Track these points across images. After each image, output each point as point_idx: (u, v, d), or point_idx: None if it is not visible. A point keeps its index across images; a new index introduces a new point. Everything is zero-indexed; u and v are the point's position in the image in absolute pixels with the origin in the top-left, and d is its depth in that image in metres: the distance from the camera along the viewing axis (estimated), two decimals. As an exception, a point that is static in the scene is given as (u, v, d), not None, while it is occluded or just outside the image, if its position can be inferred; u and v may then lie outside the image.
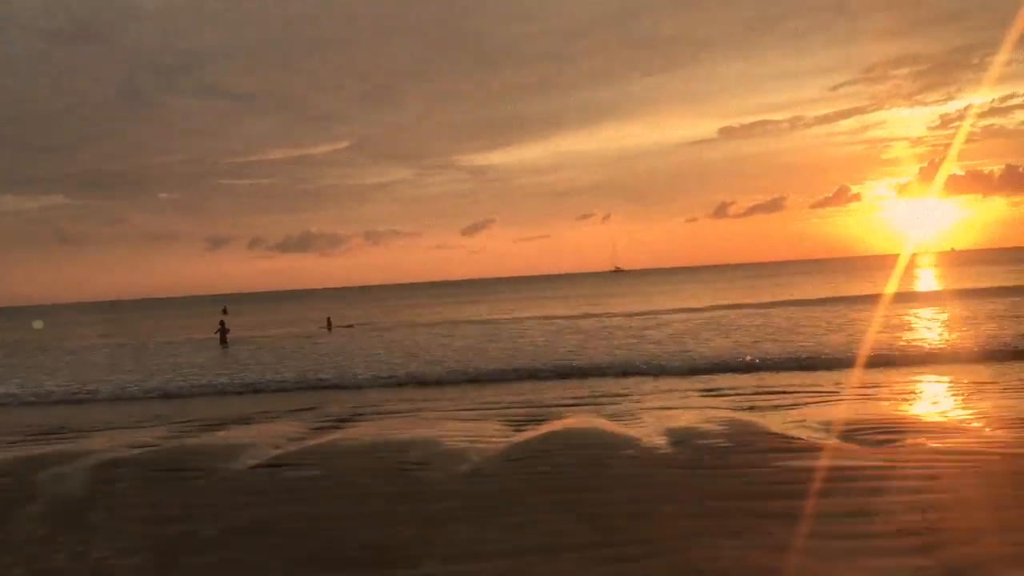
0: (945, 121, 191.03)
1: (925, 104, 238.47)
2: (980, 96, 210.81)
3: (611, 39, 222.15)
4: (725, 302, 42.46)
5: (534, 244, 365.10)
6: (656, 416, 11.18)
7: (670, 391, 14.11)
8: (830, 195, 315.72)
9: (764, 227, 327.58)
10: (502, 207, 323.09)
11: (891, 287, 44.52)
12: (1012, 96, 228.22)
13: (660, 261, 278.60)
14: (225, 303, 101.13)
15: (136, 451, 10.34)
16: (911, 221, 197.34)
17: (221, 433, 11.79)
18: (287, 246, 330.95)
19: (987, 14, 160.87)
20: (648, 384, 15.32)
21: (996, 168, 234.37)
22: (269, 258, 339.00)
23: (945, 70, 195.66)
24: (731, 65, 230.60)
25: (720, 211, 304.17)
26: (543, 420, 11.32)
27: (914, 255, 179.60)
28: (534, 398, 14.05)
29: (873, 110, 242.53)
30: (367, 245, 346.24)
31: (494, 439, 9.88)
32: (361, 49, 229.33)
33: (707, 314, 34.10)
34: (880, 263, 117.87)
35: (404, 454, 9.14)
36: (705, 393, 13.59)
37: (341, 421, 12.54)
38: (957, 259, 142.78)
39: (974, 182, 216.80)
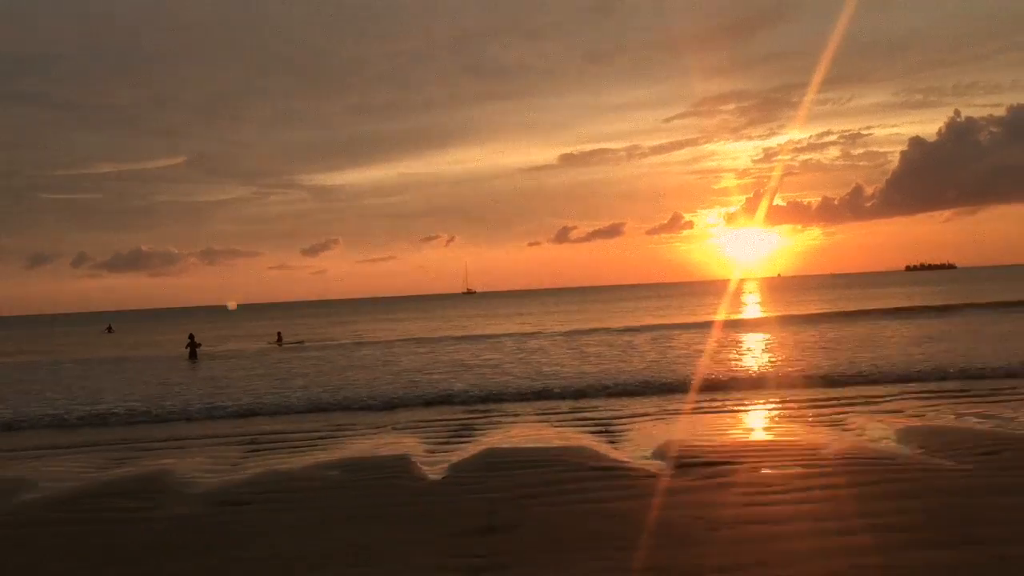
0: (768, 155, 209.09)
1: (750, 138, 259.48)
2: (799, 132, 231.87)
3: (455, 65, 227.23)
4: (594, 326, 45.12)
5: (378, 266, 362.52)
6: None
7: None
8: (665, 222, 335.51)
9: (604, 252, 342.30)
10: (345, 228, 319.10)
11: (720, 314, 50.03)
12: (827, 133, 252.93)
13: (506, 284, 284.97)
14: (110, 320, 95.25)
15: None
16: (739, 248, 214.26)
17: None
18: (116, 264, 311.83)
19: (805, 56, 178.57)
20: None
21: (814, 200, 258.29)
22: (96, 277, 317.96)
23: (768, 107, 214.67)
24: (571, 95, 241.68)
25: (561, 235, 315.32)
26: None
27: (744, 280, 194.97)
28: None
29: (704, 142, 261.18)
30: (203, 264, 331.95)
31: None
32: (199, 63, 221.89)
33: (570, 338, 36.40)
34: (712, 288, 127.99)
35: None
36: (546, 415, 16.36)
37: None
38: (782, 284, 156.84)
39: (795, 213, 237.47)
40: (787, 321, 41.17)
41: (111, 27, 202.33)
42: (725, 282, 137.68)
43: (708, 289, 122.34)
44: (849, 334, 30.51)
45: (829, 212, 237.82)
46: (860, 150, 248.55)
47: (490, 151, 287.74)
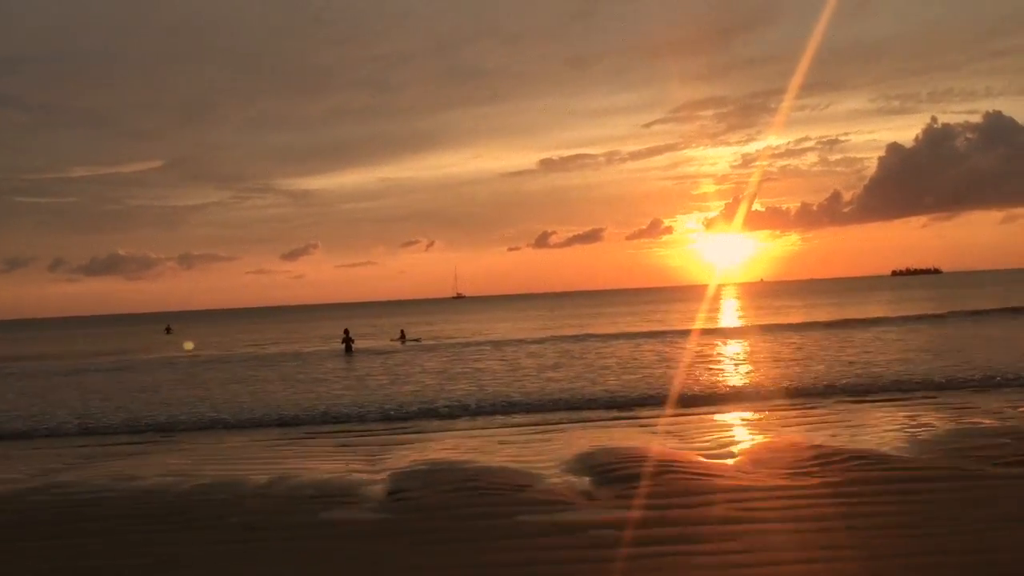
0: (747, 160, 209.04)
1: (729, 144, 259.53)
2: (777, 138, 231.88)
3: (434, 69, 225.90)
4: (587, 332, 43.94)
5: (358, 270, 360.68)
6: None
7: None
8: (644, 227, 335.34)
9: (584, 257, 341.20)
10: (324, 233, 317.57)
11: (699, 322, 48.20)
12: (805, 139, 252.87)
13: (488, 288, 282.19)
14: (169, 321, 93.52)
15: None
16: (719, 253, 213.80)
17: None
18: (93, 269, 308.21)
19: (783, 62, 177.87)
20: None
21: (792, 205, 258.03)
22: (73, 281, 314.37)
23: (746, 113, 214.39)
24: (550, 100, 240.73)
25: (541, 241, 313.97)
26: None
27: (726, 286, 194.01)
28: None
29: (683, 148, 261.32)
30: (181, 269, 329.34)
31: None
32: (177, 66, 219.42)
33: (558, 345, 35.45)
34: (693, 293, 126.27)
35: None
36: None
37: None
38: (765, 290, 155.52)
39: (773, 218, 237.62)
40: (770, 330, 39.16)
41: (87, 29, 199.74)
42: (706, 287, 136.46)
43: (691, 295, 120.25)
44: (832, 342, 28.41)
45: (808, 217, 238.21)
46: (838, 156, 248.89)
47: (470, 156, 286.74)
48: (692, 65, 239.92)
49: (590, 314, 74.98)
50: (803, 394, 17.41)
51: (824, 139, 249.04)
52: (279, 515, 8.60)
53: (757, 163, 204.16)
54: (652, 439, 12.75)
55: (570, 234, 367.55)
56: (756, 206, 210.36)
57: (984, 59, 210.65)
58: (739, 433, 13.21)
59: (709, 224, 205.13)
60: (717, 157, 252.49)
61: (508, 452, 12.16)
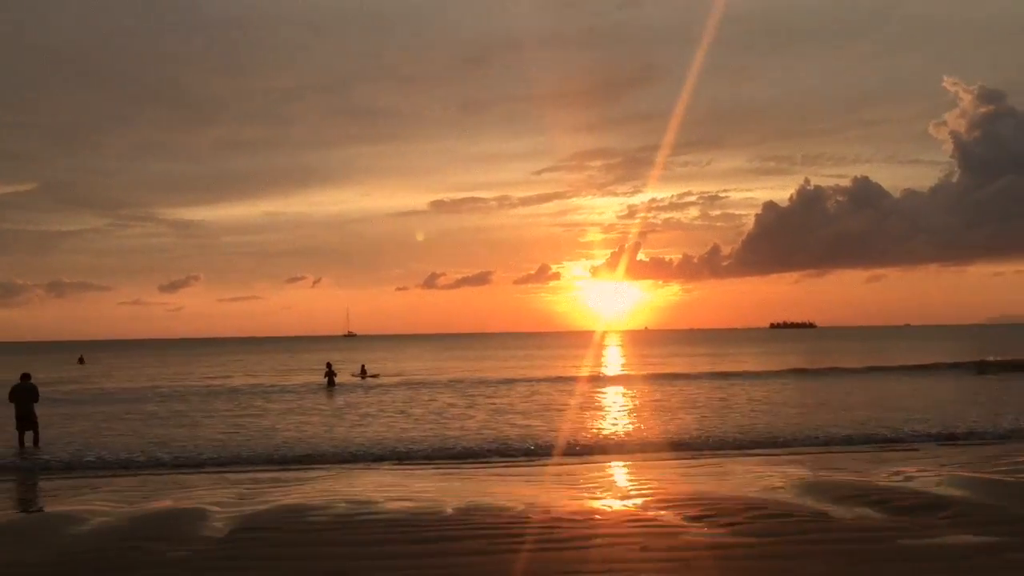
0: (632, 211, 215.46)
1: (615, 194, 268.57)
2: (661, 191, 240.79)
3: (327, 105, 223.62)
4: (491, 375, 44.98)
5: (241, 304, 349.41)
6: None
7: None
8: (533, 272, 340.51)
9: (472, 299, 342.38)
10: (206, 264, 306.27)
11: (588, 369, 49.38)
12: (688, 193, 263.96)
13: (380, 327, 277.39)
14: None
15: None
16: (604, 300, 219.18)
17: None
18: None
19: (669, 118, 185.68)
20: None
21: (674, 256, 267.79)
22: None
23: (633, 165, 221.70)
24: (443, 142, 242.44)
25: (430, 282, 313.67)
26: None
27: (611, 332, 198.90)
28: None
29: (572, 196, 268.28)
30: (50, 297, 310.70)
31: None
32: (56, 87, 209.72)
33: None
34: (578, 339, 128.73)
35: None
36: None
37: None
38: (651, 338, 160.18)
39: (656, 268, 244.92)
40: (656, 379, 40.56)
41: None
42: (592, 333, 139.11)
43: (579, 341, 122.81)
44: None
45: (689, 269, 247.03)
46: (718, 211, 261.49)
47: (359, 194, 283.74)
48: (583, 116, 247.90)
49: (500, 356, 75.46)
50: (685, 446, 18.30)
51: (705, 194, 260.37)
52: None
53: (641, 214, 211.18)
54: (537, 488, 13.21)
55: (459, 276, 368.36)
56: (640, 256, 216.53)
57: (854, 127, 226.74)
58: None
59: (595, 271, 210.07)
60: (604, 207, 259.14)
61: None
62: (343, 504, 11.53)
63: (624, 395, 31.88)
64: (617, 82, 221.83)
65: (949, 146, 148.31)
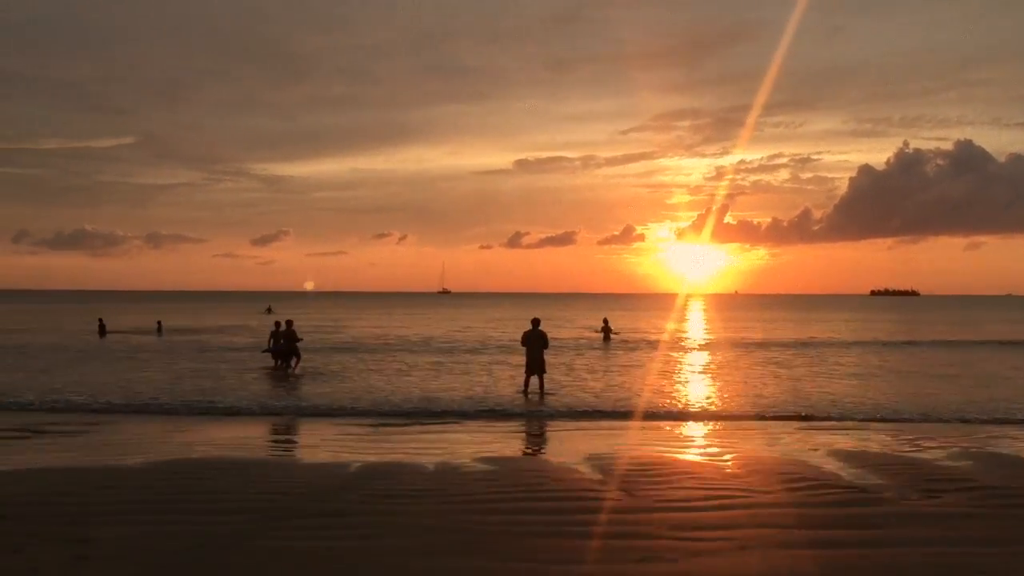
0: (720, 173, 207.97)
1: (703, 155, 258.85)
2: (751, 153, 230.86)
3: (415, 63, 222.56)
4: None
5: (328, 260, 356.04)
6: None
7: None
8: (617, 233, 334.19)
9: (556, 259, 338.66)
10: (296, 220, 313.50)
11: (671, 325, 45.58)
12: (779, 155, 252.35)
13: (460, 285, 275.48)
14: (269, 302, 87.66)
15: None
16: (689, 263, 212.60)
17: None
18: (57, 243, 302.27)
19: (760, 79, 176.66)
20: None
21: (763, 220, 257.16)
22: (36, 254, 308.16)
23: (722, 126, 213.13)
24: (529, 101, 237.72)
25: (514, 241, 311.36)
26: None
27: (699, 296, 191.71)
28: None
29: (658, 156, 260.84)
30: (148, 248, 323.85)
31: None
32: (155, 43, 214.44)
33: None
34: (664, 302, 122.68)
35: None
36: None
37: None
38: (741, 303, 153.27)
39: (744, 232, 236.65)
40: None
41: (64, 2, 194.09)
42: (680, 296, 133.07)
43: (674, 304, 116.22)
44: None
45: (777, 233, 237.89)
46: (809, 174, 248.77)
47: (445, 152, 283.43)
48: (671, 76, 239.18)
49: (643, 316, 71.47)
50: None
51: (797, 157, 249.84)
52: None
53: (730, 176, 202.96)
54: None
55: (543, 235, 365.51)
56: (727, 219, 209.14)
57: (957, 88, 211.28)
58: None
59: (681, 234, 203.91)
60: (691, 168, 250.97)
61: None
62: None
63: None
64: (707, 41, 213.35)
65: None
